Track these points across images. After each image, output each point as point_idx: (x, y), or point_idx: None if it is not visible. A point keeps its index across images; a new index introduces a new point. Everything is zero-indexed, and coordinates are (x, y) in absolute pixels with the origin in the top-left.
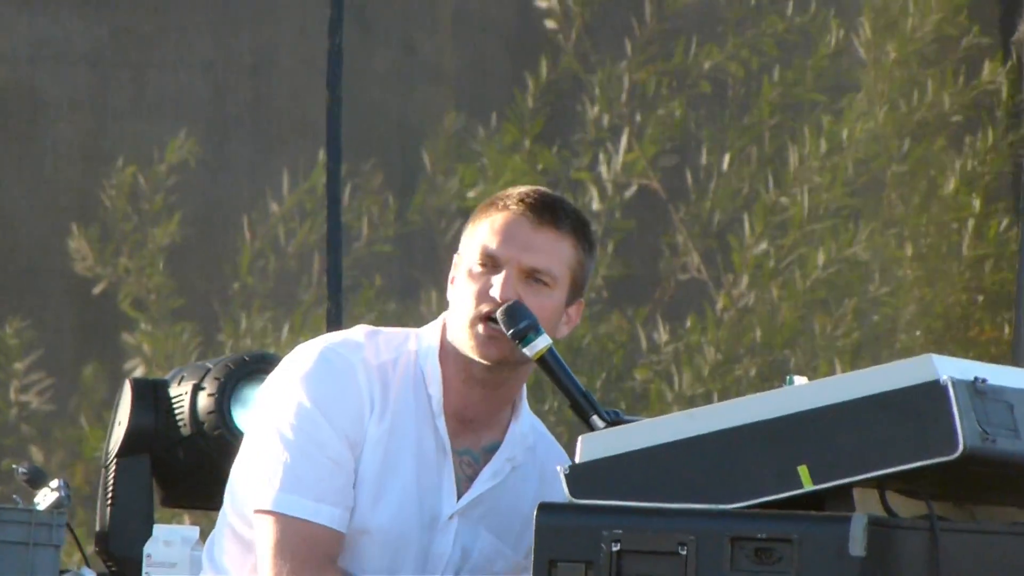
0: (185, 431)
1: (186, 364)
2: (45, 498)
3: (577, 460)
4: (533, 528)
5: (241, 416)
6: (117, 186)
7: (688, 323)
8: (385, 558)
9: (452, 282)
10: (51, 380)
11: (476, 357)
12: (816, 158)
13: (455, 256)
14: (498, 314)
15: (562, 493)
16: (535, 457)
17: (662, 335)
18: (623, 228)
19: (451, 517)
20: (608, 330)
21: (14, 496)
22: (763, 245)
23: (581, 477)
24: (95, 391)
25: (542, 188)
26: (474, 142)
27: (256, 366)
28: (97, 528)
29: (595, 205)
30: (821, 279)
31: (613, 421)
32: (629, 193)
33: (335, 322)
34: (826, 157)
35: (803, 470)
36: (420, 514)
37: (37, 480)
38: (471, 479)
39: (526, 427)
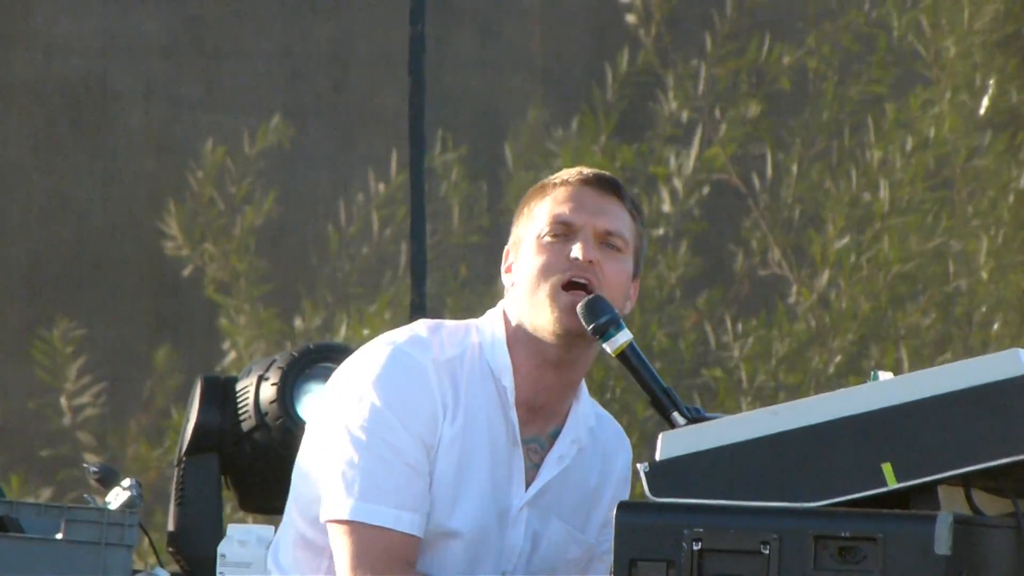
0: (248, 424)
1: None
2: (117, 497)
3: (657, 458)
4: (600, 509)
5: (304, 405)
6: (206, 169)
7: (766, 318)
8: (464, 558)
9: (509, 269)
10: (126, 370)
11: (559, 329)
12: (897, 152)
13: (509, 244)
14: (578, 308)
15: (624, 471)
16: (596, 438)
17: (739, 330)
18: (698, 226)
19: (521, 508)
20: (682, 327)
21: (86, 496)
22: (844, 240)
23: (661, 475)
24: (172, 378)
25: (592, 168)
26: (551, 141)
27: (321, 355)
28: (169, 528)
29: (667, 205)
30: (901, 273)
31: (694, 418)
32: (706, 189)
33: (418, 311)
34: (907, 152)
35: (887, 468)
36: (493, 509)
37: (109, 479)
38: (537, 467)
39: (587, 408)
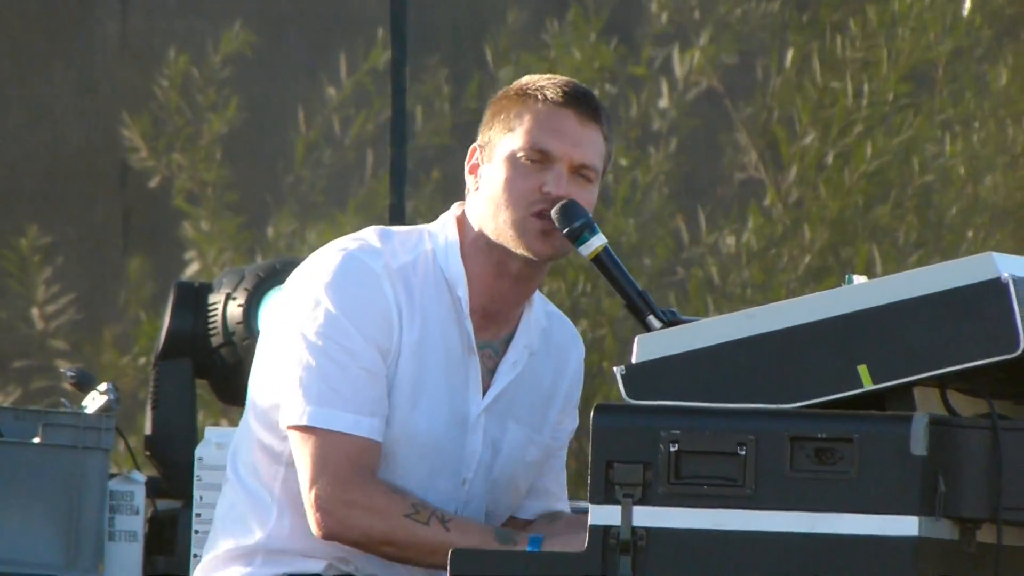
0: (217, 340)
1: (236, 261)
2: (93, 401)
3: (633, 360)
4: (555, 408)
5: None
6: (170, 78)
7: (738, 219)
8: (423, 464)
9: (475, 171)
10: (100, 275)
11: (527, 253)
12: (881, 53)
13: (480, 143)
14: (553, 213)
15: (577, 369)
16: (549, 339)
17: (713, 231)
18: (679, 130)
19: (479, 415)
20: (661, 228)
21: (62, 400)
22: (810, 137)
23: (637, 378)
24: (144, 288)
25: (572, 80)
26: (545, 34)
27: (287, 274)
28: (146, 432)
29: (663, 102)
30: (869, 172)
31: (670, 321)
32: (691, 93)
33: (398, 217)
34: (876, 48)
35: (863, 369)
36: (451, 416)
37: (85, 383)
38: (492, 372)
39: (539, 312)
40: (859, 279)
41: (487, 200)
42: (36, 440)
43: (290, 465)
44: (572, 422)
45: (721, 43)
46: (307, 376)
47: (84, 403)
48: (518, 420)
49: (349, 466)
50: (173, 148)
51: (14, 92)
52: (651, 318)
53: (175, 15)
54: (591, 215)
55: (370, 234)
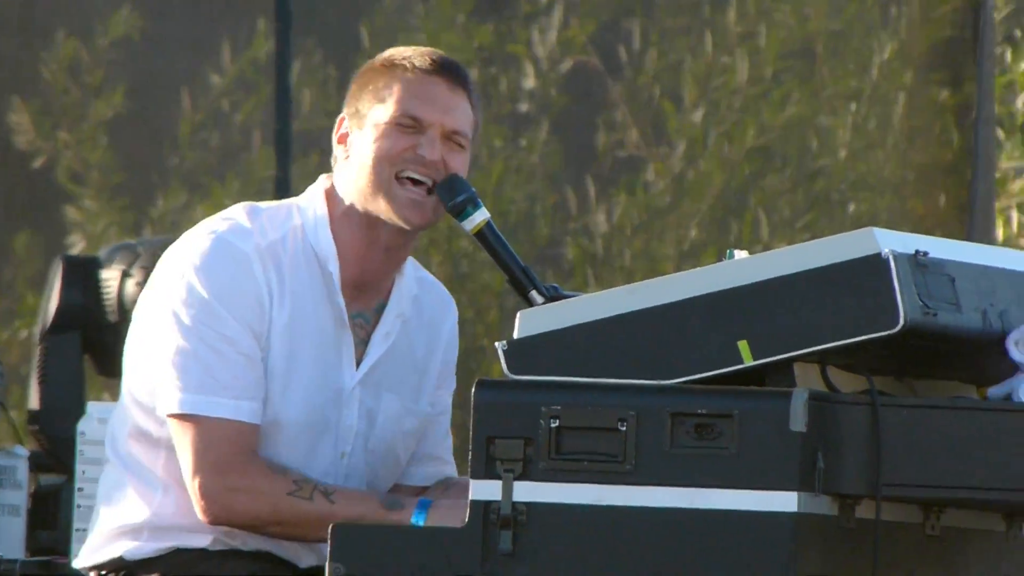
0: (113, 316)
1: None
2: None
3: (515, 336)
4: (431, 376)
5: None
6: (58, 59)
7: (624, 195)
8: (300, 442)
9: (344, 140)
10: None
11: (397, 221)
12: (745, 23)
13: (348, 113)
14: (437, 187)
15: (451, 334)
16: (421, 306)
17: (597, 206)
18: (559, 104)
19: (353, 388)
20: (541, 205)
21: None
22: (699, 113)
23: (519, 353)
24: (30, 264)
25: (438, 51)
26: (412, 17)
27: None
28: (31, 406)
29: (531, 82)
30: (758, 147)
31: (552, 296)
32: (565, 68)
33: (283, 191)
34: (756, 23)
35: (743, 345)
36: (326, 392)
37: None
38: (365, 343)
39: (410, 278)
40: (740, 254)
41: (358, 167)
42: None
43: (170, 448)
44: (451, 385)
45: (599, 18)
46: (184, 364)
47: None
48: (393, 390)
49: (230, 451)
50: (60, 127)
51: None
52: (533, 293)
53: None
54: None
55: (239, 212)
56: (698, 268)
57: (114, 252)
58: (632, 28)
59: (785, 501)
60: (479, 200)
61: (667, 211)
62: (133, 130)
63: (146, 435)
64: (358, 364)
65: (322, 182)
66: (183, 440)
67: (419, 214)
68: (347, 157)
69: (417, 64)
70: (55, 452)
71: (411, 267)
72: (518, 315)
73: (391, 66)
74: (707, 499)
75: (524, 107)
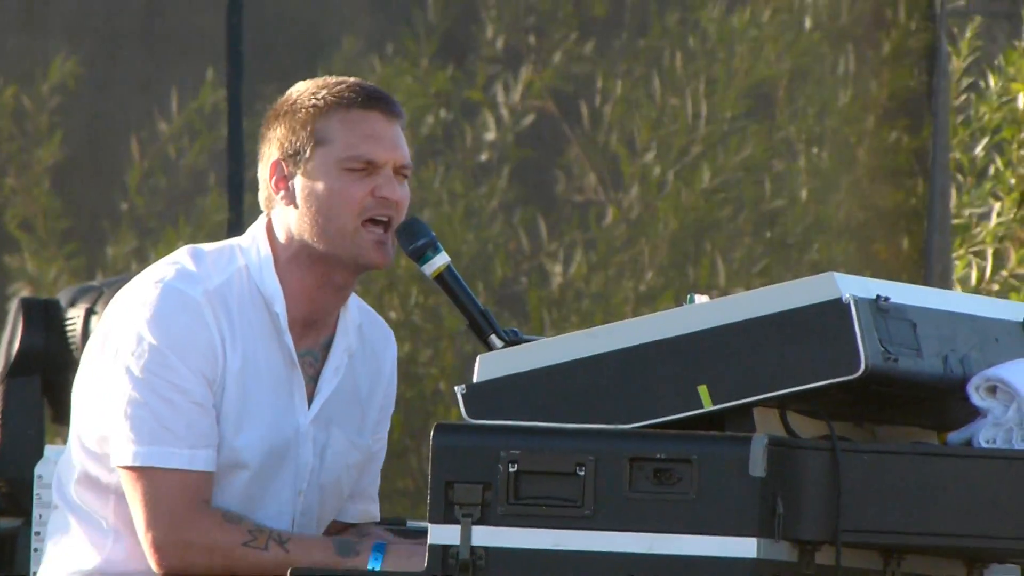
0: (78, 355)
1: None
2: None
3: (475, 380)
4: (373, 409)
5: None
6: (1, 106)
7: (581, 239)
8: (255, 485)
9: (283, 185)
10: None
11: (362, 263)
12: (704, 65)
13: (282, 156)
14: (397, 231)
15: (392, 367)
16: (364, 338)
17: (554, 250)
18: (519, 154)
19: (307, 427)
20: (498, 250)
21: None
22: (650, 155)
23: (478, 397)
24: None
25: (357, 80)
26: (376, 59)
27: None
28: None
29: (491, 132)
30: (709, 190)
31: (511, 340)
32: (526, 119)
33: (235, 230)
34: (714, 64)
35: (703, 390)
36: (279, 433)
37: None
38: (315, 379)
39: (353, 309)
40: (701, 298)
41: (312, 214)
42: None
43: (120, 495)
44: (388, 422)
45: (557, 67)
46: (137, 415)
47: None
48: (340, 425)
49: (183, 502)
50: (6, 174)
51: None
52: (493, 337)
53: (7, 35)
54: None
55: (183, 256)
56: (659, 312)
57: (78, 293)
58: (591, 74)
59: (745, 547)
60: (439, 244)
61: (623, 254)
62: (79, 176)
63: (95, 481)
64: (309, 402)
65: (262, 221)
66: (135, 493)
67: (383, 255)
68: (289, 203)
69: (353, 101)
70: (12, 495)
71: (352, 298)
72: (477, 359)
73: (322, 104)
74: (666, 544)
75: (484, 155)
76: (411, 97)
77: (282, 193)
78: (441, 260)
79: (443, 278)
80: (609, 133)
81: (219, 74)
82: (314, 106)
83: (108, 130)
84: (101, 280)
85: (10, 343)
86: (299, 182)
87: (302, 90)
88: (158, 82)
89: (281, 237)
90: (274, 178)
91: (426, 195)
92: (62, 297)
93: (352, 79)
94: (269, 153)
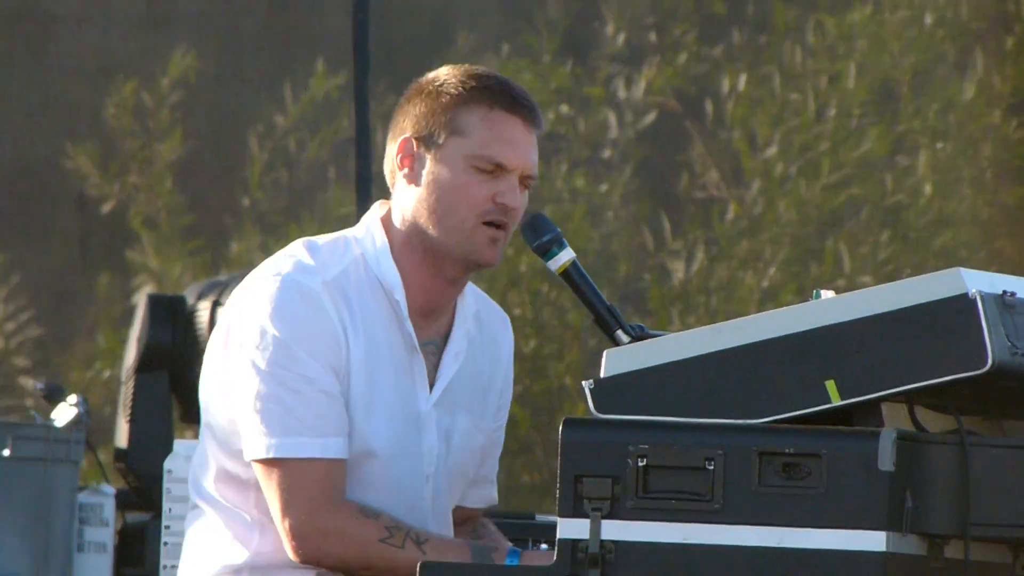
0: (203, 348)
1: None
2: (63, 414)
3: (602, 375)
4: (494, 392)
5: None
6: (120, 103)
7: (703, 236)
8: (386, 471)
9: (410, 164)
10: (59, 292)
11: (472, 260)
12: (825, 62)
13: (416, 134)
14: (522, 227)
15: (509, 352)
16: (482, 323)
17: (676, 246)
18: (641, 152)
19: (429, 411)
20: (622, 243)
21: (32, 412)
22: (772, 150)
23: (606, 392)
24: (104, 305)
25: (508, 79)
26: (495, 56)
27: None
28: (118, 444)
29: (613, 128)
30: (831, 184)
31: (638, 336)
32: (650, 115)
33: None
34: (852, 66)
35: (831, 385)
36: (405, 418)
37: (55, 396)
38: (435, 368)
39: (469, 296)
40: (827, 294)
41: (433, 201)
42: (6, 452)
43: (260, 489)
44: (508, 405)
45: (678, 64)
46: (267, 408)
47: (53, 416)
48: (464, 410)
49: (319, 491)
50: (127, 171)
51: None
52: (619, 332)
53: (132, 35)
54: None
55: (299, 249)
56: (785, 307)
57: (205, 288)
58: (712, 71)
59: (873, 541)
60: (564, 240)
61: (746, 249)
62: (201, 172)
63: (234, 477)
64: (431, 387)
65: (377, 210)
66: (270, 484)
67: (494, 253)
68: (412, 182)
69: (498, 100)
70: (142, 490)
71: (468, 285)
72: (604, 354)
73: (467, 95)
74: (795, 538)
75: (606, 152)
76: (532, 93)
77: (406, 171)
78: (567, 256)
79: (569, 274)
80: (731, 130)
81: (330, 66)
82: (460, 94)
83: (228, 126)
84: (227, 275)
85: (138, 339)
86: (427, 165)
87: (449, 74)
88: (279, 79)
89: (397, 219)
90: (401, 154)
91: (547, 192)
92: (189, 293)
93: (503, 77)
94: (402, 127)
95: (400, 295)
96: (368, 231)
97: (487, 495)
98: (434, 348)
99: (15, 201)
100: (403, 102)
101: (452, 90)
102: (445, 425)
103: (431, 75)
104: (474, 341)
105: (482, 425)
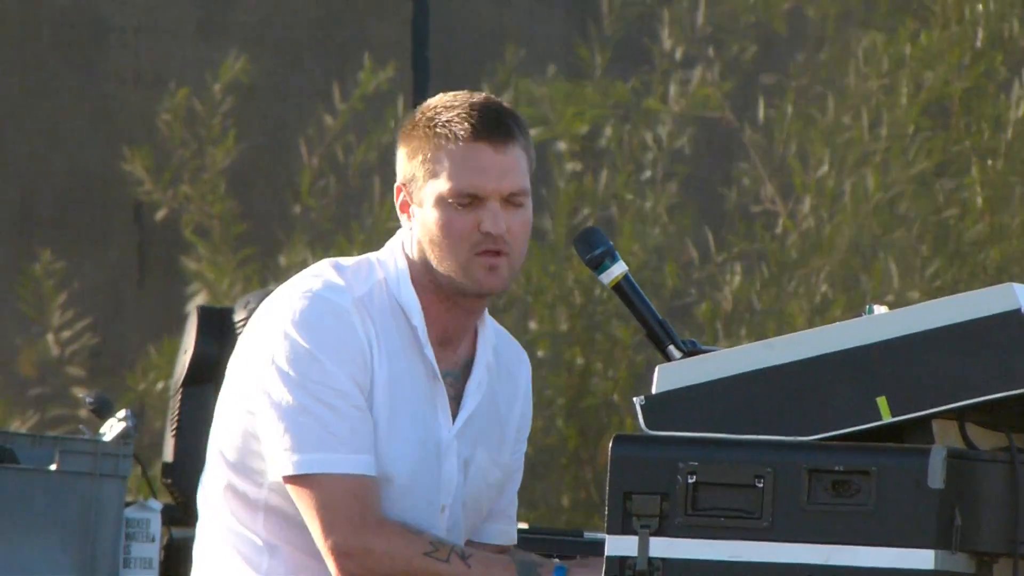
0: None
1: (250, 291)
2: (111, 428)
3: (653, 391)
4: (511, 427)
5: None
6: (172, 110)
7: (754, 250)
8: (404, 496)
9: (406, 209)
10: (114, 302)
11: (479, 291)
12: (895, 83)
13: (403, 181)
14: (574, 241)
15: (527, 386)
16: (500, 356)
17: (727, 261)
18: (691, 161)
19: (451, 441)
20: (671, 257)
21: (80, 426)
22: (824, 167)
23: (657, 408)
24: (157, 314)
25: (476, 102)
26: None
27: None
28: (166, 459)
29: (665, 137)
30: (884, 202)
31: (689, 351)
32: (700, 125)
33: None
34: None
35: (882, 401)
36: (425, 445)
37: (103, 410)
38: (457, 398)
39: (489, 328)
40: (879, 309)
41: (428, 244)
42: (53, 467)
43: (269, 509)
44: (525, 442)
45: (730, 77)
46: (300, 422)
47: (102, 430)
48: (482, 442)
49: (360, 508)
50: (180, 180)
51: (28, 118)
52: (671, 347)
53: (186, 44)
54: (526, 236)
55: (326, 268)
56: (836, 323)
57: (249, 299)
58: (766, 86)
59: (922, 559)
60: (616, 253)
61: (796, 266)
62: (252, 179)
63: (243, 497)
64: (453, 417)
65: (399, 235)
66: (307, 501)
67: (495, 280)
68: (412, 227)
69: (459, 132)
70: (187, 504)
71: (486, 316)
72: (656, 369)
73: (433, 133)
74: (844, 556)
75: (657, 161)
76: (590, 106)
77: (405, 216)
78: (619, 269)
79: (621, 287)
80: (785, 145)
81: (377, 64)
82: (427, 137)
83: (281, 134)
84: (275, 286)
85: (185, 352)
86: (415, 211)
87: (421, 116)
88: (332, 88)
89: (414, 259)
90: (399, 201)
91: (594, 203)
92: (239, 305)
93: (471, 99)
94: (397, 172)
95: (419, 320)
96: (391, 254)
97: (506, 531)
98: (454, 380)
99: (72, 210)
100: (397, 143)
101: (421, 134)
102: (465, 456)
103: (416, 115)
104: (493, 373)
105: (499, 460)
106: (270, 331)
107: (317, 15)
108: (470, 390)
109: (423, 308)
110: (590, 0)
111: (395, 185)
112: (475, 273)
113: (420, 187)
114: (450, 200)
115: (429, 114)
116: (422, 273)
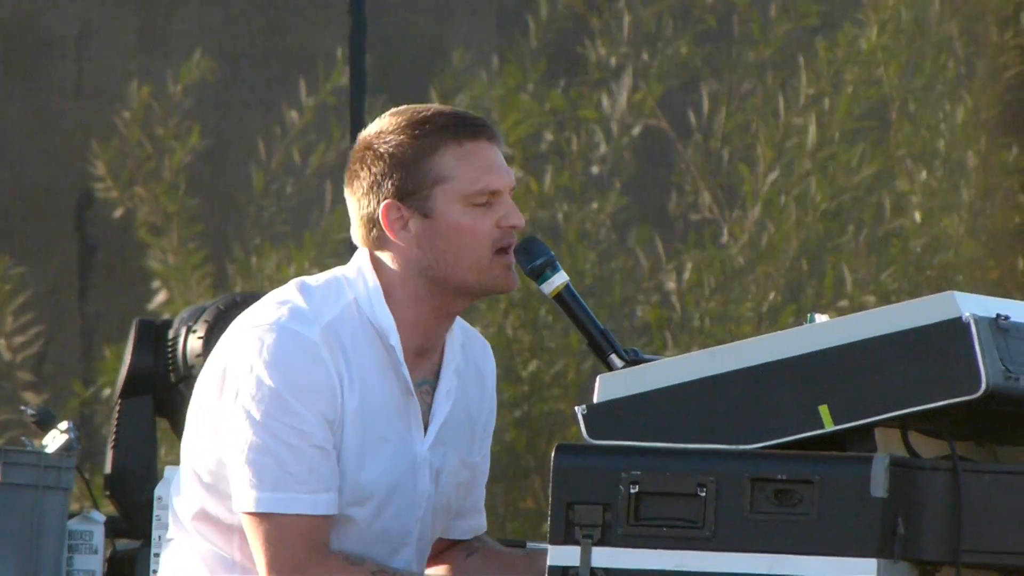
0: (175, 375)
1: (201, 292)
2: (54, 440)
3: (595, 400)
4: (480, 425)
5: None
6: (132, 111)
7: (698, 256)
8: (378, 517)
9: (404, 226)
10: (66, 308)
11: (494, 290)
12: (831, 89)
13: (397, 198)
14: (515, 250)
15: (492, 381)
16: (467, 354)
17: (671, 268)
18: (629, 168)
19: (424, 454)
20: (615, 267)
21: (23, 438)
22: (774, 175)
23: (599, 417)
24: (109, 319)
25: (437, 106)
26: (477, 85)
27: (246, 307)
28: (106, 471)
29: (602, 146)
30: (830, 209)
31: (631, 360)
32: (636, 133)
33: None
34: (841, 88)
35: (824, 410)
36: (399, 464)
37: (46, 422)
38: (430, 406)
39: (456, 330)
40: (821, 318)
41: (441, 252)
42: None
43: (244, 533)
44: (490, 438)
45: (668, 82)
46: (259, 461)
47: (44, 441)
48: (452, 446)
49: (305, 547)
50: (136, 181)
51: None
52: (613, 357)
53: (133, 54)
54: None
55: (293, 293)
56: (778, 332)
57: (189, 313)
58: (702, 92)
59: (864, 567)
60: (557, 263)
61: (742, 274)
62: (209, 180)
63: (216, 520)
64: (425, 428)
65: (365, 253)
66: (257, 537)
67: (512, 279)
68: (410, 243)
69: (460, 133)
70: (130, 517)
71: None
72: (598, 379)
73: (430, 140)
74: (787, 565)
75: (596, 170)
76: (527, 116)
77: (400, 235)
78: (560, 279)
79: (562, 297)
80: (722, 150)
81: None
82: (422, 143)
83: (233, 137)
84: (213, 300)
85: (124, 364)
86: (420, 222)
87: (396, 127)
88: (276, 102)
89: (395, 273)
90: (388, 219)
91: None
92: (177, 319)
93: (446, 108)
94: (375, 195)
95: (395, 340)
96: (359, 273)
97: (475, 525)
98: (429, 388)
99: (14, 219)
100: (356, 167)
101: (411, 142)
102: (436, 466)
103: (374, 132)
104: (462, 374)
105: (468, 460)
106: (237, 364)
107: (259, 25)
108: (439, 399)
109: (400, 324)
110: (521, 13)
111: (381, 205)
112: (495, 272)
113: (426, 196)
114: (471, 201)
115: (407, 128)
116: (409, 288)
